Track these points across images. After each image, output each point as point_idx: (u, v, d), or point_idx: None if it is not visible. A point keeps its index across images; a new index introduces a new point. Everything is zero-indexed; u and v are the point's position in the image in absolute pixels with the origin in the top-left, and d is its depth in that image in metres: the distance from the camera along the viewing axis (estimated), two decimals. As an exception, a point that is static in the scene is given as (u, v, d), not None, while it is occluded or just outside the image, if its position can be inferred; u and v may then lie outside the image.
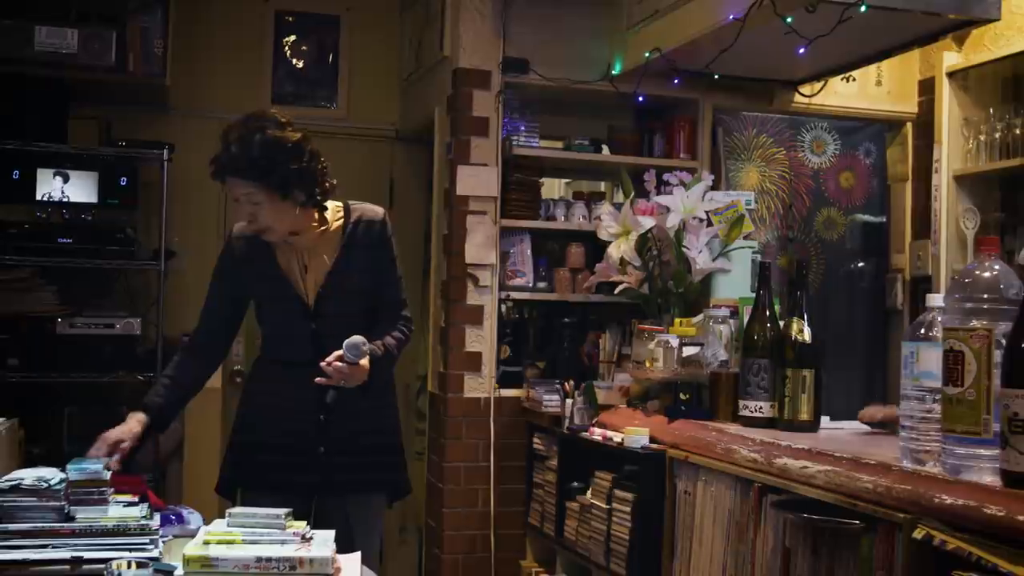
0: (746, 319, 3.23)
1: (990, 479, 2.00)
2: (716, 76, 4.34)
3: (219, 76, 5.31)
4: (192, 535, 2.37)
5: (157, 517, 2.52)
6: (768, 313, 3.13)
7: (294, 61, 5.53)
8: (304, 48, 5.54)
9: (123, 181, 4.69)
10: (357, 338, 2.80)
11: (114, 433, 2.88)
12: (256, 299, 3.06)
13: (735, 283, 3.73)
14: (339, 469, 2.95)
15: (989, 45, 4.36)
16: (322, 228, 2.97)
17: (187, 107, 5.23)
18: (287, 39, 5.51)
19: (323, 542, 2.22)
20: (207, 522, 2.44)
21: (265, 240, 2.95)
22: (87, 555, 2.33)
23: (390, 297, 3.07)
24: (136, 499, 2.59)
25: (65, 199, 4.63)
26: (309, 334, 2.95)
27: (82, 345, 4.57)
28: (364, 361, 2.84)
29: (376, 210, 3.07)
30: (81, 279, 4.80)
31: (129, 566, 1.97)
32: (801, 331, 2.99)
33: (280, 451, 2.94)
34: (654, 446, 3.31)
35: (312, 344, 2.92)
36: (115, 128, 4.93)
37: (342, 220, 3.01)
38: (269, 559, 2.11)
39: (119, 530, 2.40)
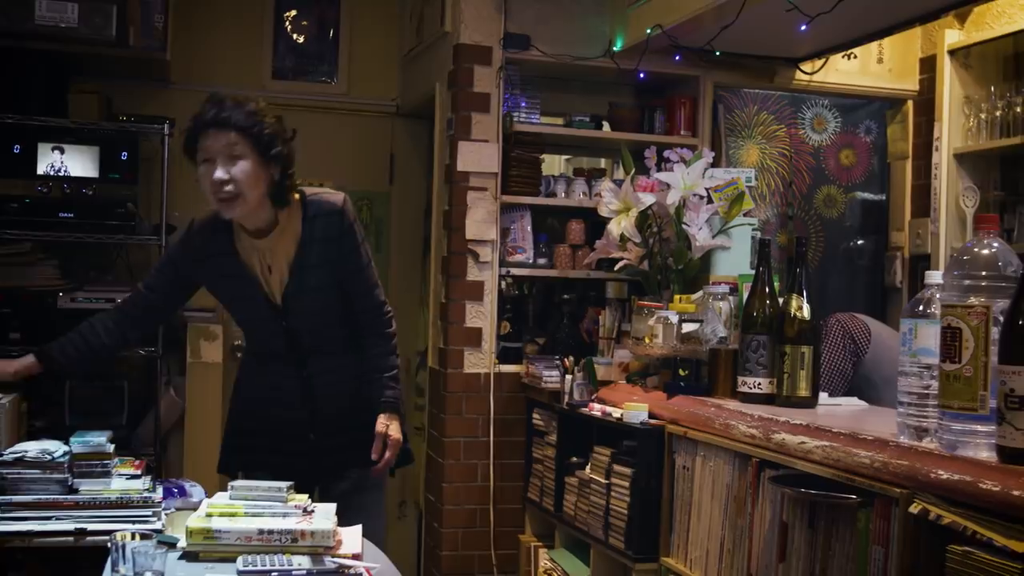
0: (745, 296, 3.24)
1: (986, 455, 2.02)
2: (717, 53, 4.33)
3: (219, 50, 5.30)
4: (194, 508, 2.39)
5: (160, 489, 2.55)
6: (767, 290, 3.14)
7: (295, 36, 5.52)
8: (305, 23, 5.52)
9: (124, 155, 4.68)
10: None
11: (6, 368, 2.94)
12: (222, 296, 3.01)
13: (735, 260, 3.74)
14: (332, 452, 2.96)
15: (991, 23, 4.35)
16: (277, 228, 2.87)
17: (187, 81, 5.22)
18: (288, 13, 5.49)
19: (324, 515, 2.24)
20: (209, 495, 2.46)
21: (225, 236, 2.88)
22: (90, 527, 2.35)
23: (361, 287, 2.97)
24: (139, 471, 2.61)
25: (66, 173, 4.62)
26: (282, 331, 2.92)
27: (83, 320, 4.57)
28: (395, 428, 2.94)
29: (334, 199, 2.94)
30: (82, 254, 4.81)
31: (132, 538, 1.98)
32: (800, 308, 3.00)
33: (273, 438, 2.95)
34: (653, 422, 3.33)
35: (286, 340, 2.93)
36: (116, 102, 4.92)
37: (300, 214, 2.89)
38: (271, 531, 2.13)
39: (122, 502, 2.43)
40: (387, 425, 2.93)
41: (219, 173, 2.72)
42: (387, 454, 2.92)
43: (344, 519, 2.41)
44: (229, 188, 2.73)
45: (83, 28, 4.43)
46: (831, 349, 3.44)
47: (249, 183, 2.74)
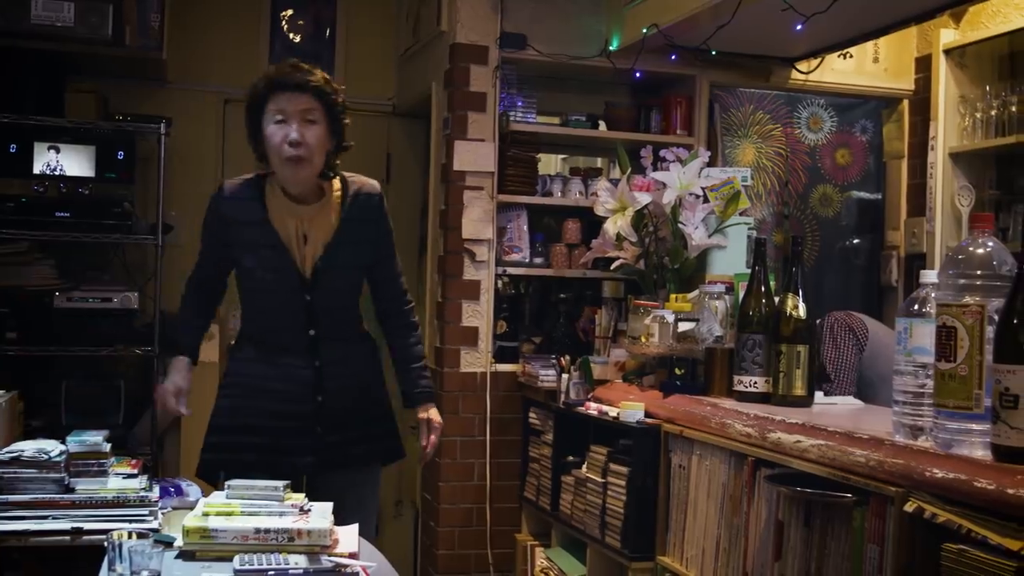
0: (741, 295, 3.25)
1: (981, 453, 2.02)
2: (713, 52, 4.34)
3: (216, 50, 5.30)
4: (191, 507, 2.39)
5: (156, 489, 2.55)
6: (763, 289, 3.15)
7: (291, 35, 5.51)
8: (301, 22, 5.52)
9: (120, 155, 4.67)
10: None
11: (174, 382, 2.98)
12: (246, 263, 2.95)
13: (731, 259, 3.75)
14: (335, 446, 2.95)
15: (986, 22, 4.36)
16: (322, 199, 2.93)
17: (184, 81, 5.22)
18: (284, 12, 5.49)
19: (321, 514, 2.24)
20: (206, 494, 2.46)
21: (256, 204, 2.91)
22: (87, 526, 2.36)
23: (390, 272, 3.07)
24: (135, 471, 2.61)
25: (62, 173, 4.62)
26: (303, 307, 2.90)
27: (80, 319, 4.58)
28: (435, 412, 3.12)
29: (374, 183, 3.05)
30: (78, 253, 4.80)
31: (129, 537, 1.99)
32: (796, 307, 3.01)
33: (273, 434, 2.90)
34: (649, 420, 3.33)
35: (306, 317, 2.91)
36: (112, 102, 4.92)
37: (340, 191, 2.96)
38: (267, 530, 2.13)
39: (119, 501, 2.43)
40: (427, 412, 3.10)
41: (295, 134, 2.79)
42: (432, 438, 3.11)
43: (341, 515, 2.42)
44: (301, 150, 2.80)
45: (79, 27, 4.43)
46: (837, 346, 3.46)
47: (319, 148, 2.83)
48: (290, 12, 5.49)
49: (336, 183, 2.97)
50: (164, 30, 4.72)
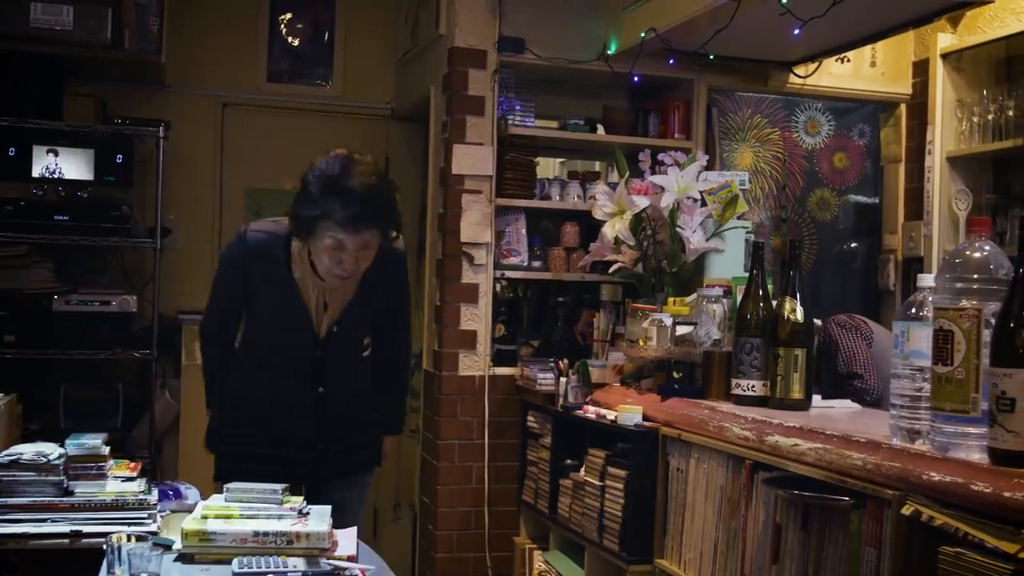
0: (739, 298, 3.25)
1: (978, 456, 2.03)
2: (711, 56, 4.35)
3: (214, 53, 5.31)
4: (189, 510, 2.40)
5: (155, 492, 2.55)
6: (761, 292, 3.15)
7: (289, 39, 5.53)
8: (299, 26, 5.53)
9: (119, 158, 4.68)
10: None
11: None
12: (256, 317, 2.96)
13: (729, 263, 3.75)
14: (336, 456, 3.02)
15: (983, 27, 4.37)
16: None
17: (182, 84, 5.23)
18: (283, 16, 5.50)
19: (319, 517, 2.25)
20: (204, 497, 2.47)
21: (282, 262, 2.86)
22: (86, 529, 2.36)
23: (401, 335, 3.18)
24: (134, 474, 2.62)
25: (61, 176, 4.63)
26: (311, 359, 2.95)
27: (78, 322, 4.58)
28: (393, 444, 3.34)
29: (399, 247, 3.02)
30: (77, 256, 4.81)
31: (128, 540, 1.99)
32: (794, 310, 3.01)
33: (274, 448, 2.94)
34: (647, 424, 3.33)
35: (312, 366, 2.95)
36: (111, 105, 4.93)
37: None
38: (266, 533, 2.14)
39: (117, 504, 2.43)
40: (389, 446, 3.27)
41: (347, 268, 2.76)
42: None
43: (343, 519, 2.46)
44: (346, 272, 2.79)
45: (78, 31, 4.44)
46: (855, 345, 3.46)
47: (366, 265, 2.83)
48: (289, 16, 5.50)
49: None
50: (163, 34, 4.73)
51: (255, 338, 3.01)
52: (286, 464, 2.89)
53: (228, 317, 3.02)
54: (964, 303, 2.04)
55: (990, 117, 4.32)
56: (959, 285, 2.07)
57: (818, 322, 3.56)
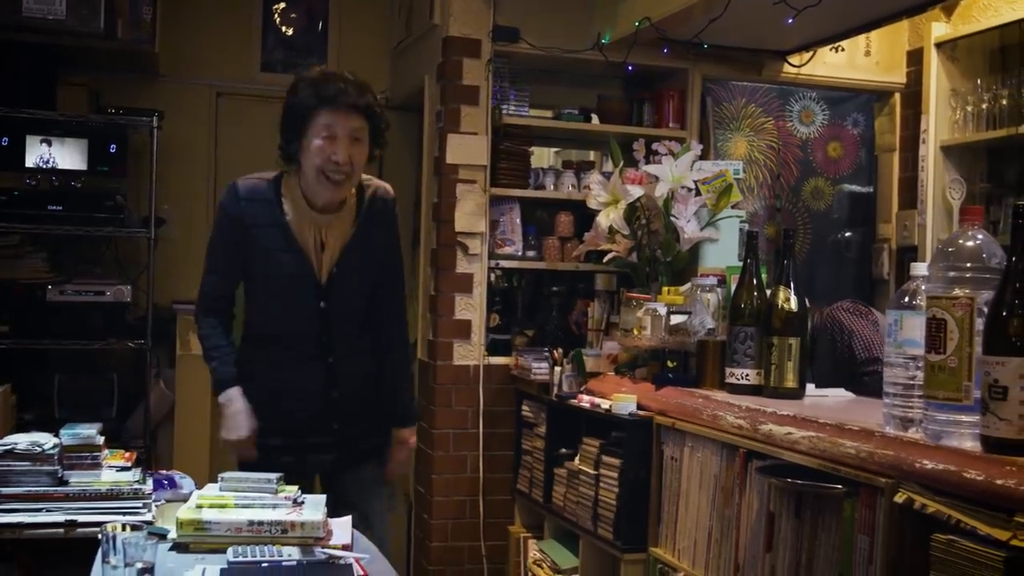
0: (733, 288, 3.25)
1: (970, 444, 2.03)
2: (705, 46, 4.34)
3: (208, 43, 5.30)
4: (184, 499, 2.40)
5: (150, 481, 2.55)
6: (755, 282, 3.16)
7: (283, 28, 5.52)
8: (293, 15, 5.52)
9: (112, 148, 4.68)
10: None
11: (245, 423, 2.87)
12: (257, 272, 2.88)
13: (723, 252, 3.76)
14: (353, 440, 2.97)
15: (977, 16, 4.37)
16: (343, 207, 2.90)
17: (176, 74, 5.23)
18: (276, 6, 5.49)
19: (314, 506, 2.25)
20: (199, 486, 2.47)
21: (273, 207, 2.83)
22: (81, 519, 2.36)
23: (397, 281, 3.07)
24: (129, 463, 2.62)
25: (54, 166, 4.62)
26: (317, 313, 2.88)
27: (72, 312, 4.58)
28: (414, 437, 3.14)
29: (387, 187, 3.02)
30: (71, 246, 4.81)
31: (123, 529, 1.99)
32: (788, 300, 3.01)
33: (288, 435, 2.90)
34: (641, 413, 3.34)
35: (320, 323, 2.89)
36: (104, 95, 4.92)
37: (355, 195, 2.92)
38: (261, 523, 2.14)
39: (112, 494, 2.43)
40: (408, 437, 3.11)
41: (341, 155, 2.75)
42: (403, 457, 3.12)
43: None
44: (346, 169, 2.77)
45: (71, 21, 4.42)
46: (869, 333, 3.44)
47: (359, 168, 2.83)
48: (282, 5, 5.49)
49: (353, 190, 2.93)
50: (156, 23, 4.72)
51: (256, 307, 2.93)
52: (301, 452, 2.88)
53: (225, 280, 2.92)
54: (957, 292, 2.05)
55: (984, 106, 4.32)
56: (952, 274, 2.08)
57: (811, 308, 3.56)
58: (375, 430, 3.04)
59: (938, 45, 4.47)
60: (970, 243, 2.09)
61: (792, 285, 3.03)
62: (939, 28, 4.48)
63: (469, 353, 4.46)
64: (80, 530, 2.33)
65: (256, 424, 2.86)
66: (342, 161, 2.75)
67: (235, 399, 2.86)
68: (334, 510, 2.41)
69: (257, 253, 2.85)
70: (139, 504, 2.42)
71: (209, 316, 2.93)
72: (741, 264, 3.27)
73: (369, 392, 3.00)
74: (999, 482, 1.86)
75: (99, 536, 1.99)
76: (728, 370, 3.16)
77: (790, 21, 3.81)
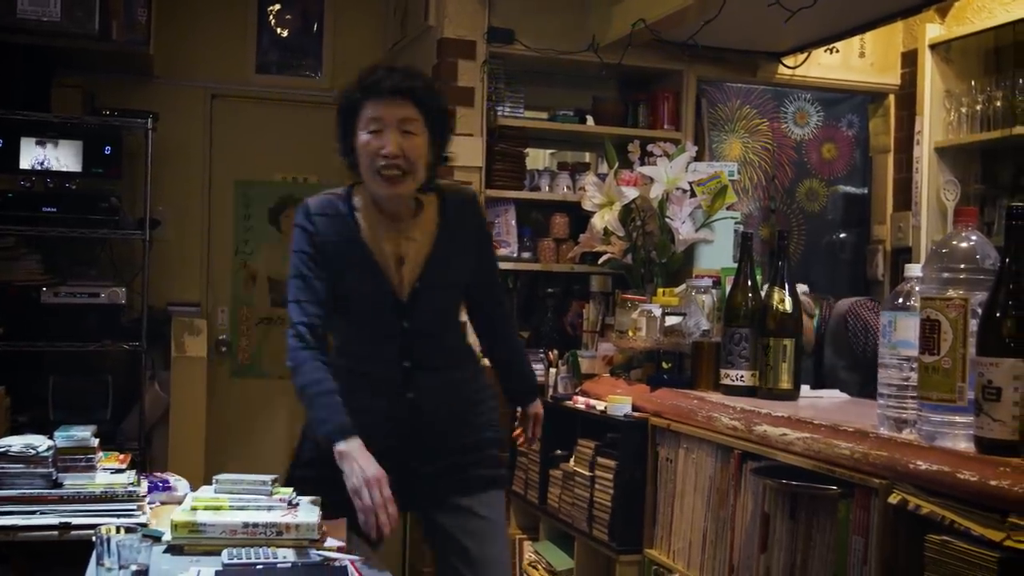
0: (728, 289, 3.26)
1: (964, 445, 2.04)
2: (700, 47, 4.35)
3: (203, 44, 5.30)
4: (179, 501, 2.40)
5: (144, 483, 2.55)
6: (750, 283, 3.16)
7: (278, 30, 5.51)
8: (288, 16, 5.52)
9: (107, 150, 4.68)
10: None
11: (376, 475, 2.29)
12: (339, 288, 2.56)
13: (717, 253, 3.76)
14: (428, 479, 2.60)
15: (971, 17, 4.38)
16: (419, 215, 2.60)
17: (171, 75, 5.22)
18: (271, 7, 5.49)
19: (309, 508, 2.25)
20: (194, 489, 2.47)
21: (347, 221, 2.54)
22: (75, 521, 2.36)
23: (493, 278, 2.81)
24: (124, 466, 2.61)
25: (49, 168, 4.62)
26: (399, 333, 2.56)
27: (67, 314, 4.58)
28: (537, 405, 2.99)
29: (469, 189, 2.84)
30: (66, 248, 4.80)
31: (117, 531, 1.99)
32: (782, 301, 3.02)
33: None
34: (636, 414, 3.34)
35: (400, 346, 2.57)
36: (99, 97, 4.91)
37: (436, 202, 2.63)
38: (256, 524, 2.14)
39: (107, 496, 2.43)
40: (531, 407, 3.01)
41: (390, 147, 2.45)
42: (537, 429, 3.02)
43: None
44: (399, 163, 2.46)
45: (65, 22, 4.42)
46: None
47: (418, 161, 2.50)
48: (277, 7, 5.49)
49: (433, 196, 2.64)
50: (151, 25, 4.72)
51: (337, 321, 2.59)
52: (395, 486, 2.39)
53: (318, 303, 2.52)
54: (951, 293, 2.05)
55: (978, 107, 4.33)
56: (946, 275, 2.08)
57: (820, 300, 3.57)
58: (450, 470, 2.64)
59: (932, 46, 4.48)
60: (964, 244, 2.09)
61: (787, 286, 3.03)
62: (933, 29, 4.49)
63: (464, 355, 4.45)
64: (74, 532, 2.32)
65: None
66: (391, 153, 2.45)
67: (365, 457, 2.34)
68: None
69: (338, 269, 2.55)
70: (134, 506, 2.41)
71: (307, 346, 2.49)
72: (736, 265, 3.27)
73: (452, 429, 2.64)
74: (993, 483, 1.87)
75: (93, 538, 2.00)
76: (723, 371, 3.16)
77: (785, 22, 3.81)
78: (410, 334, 2.57)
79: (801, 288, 3.85)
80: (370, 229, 2.56)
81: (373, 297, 2.56)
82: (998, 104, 4.25)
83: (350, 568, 2.02)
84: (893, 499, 2.10)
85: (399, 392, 2.56)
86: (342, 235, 2.55)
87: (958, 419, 2.06)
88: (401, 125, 2.46)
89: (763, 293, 3.10)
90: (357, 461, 2.30)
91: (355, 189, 2.61)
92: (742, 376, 3.10)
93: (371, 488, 2.27)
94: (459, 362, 2.71)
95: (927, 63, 4.49)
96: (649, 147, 3.97)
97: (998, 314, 1.93)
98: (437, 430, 2.60)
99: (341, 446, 2.33)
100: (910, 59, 4.76)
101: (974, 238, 2.09)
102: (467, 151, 4.42)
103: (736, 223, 3.88)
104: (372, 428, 2.44)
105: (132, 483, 2.47)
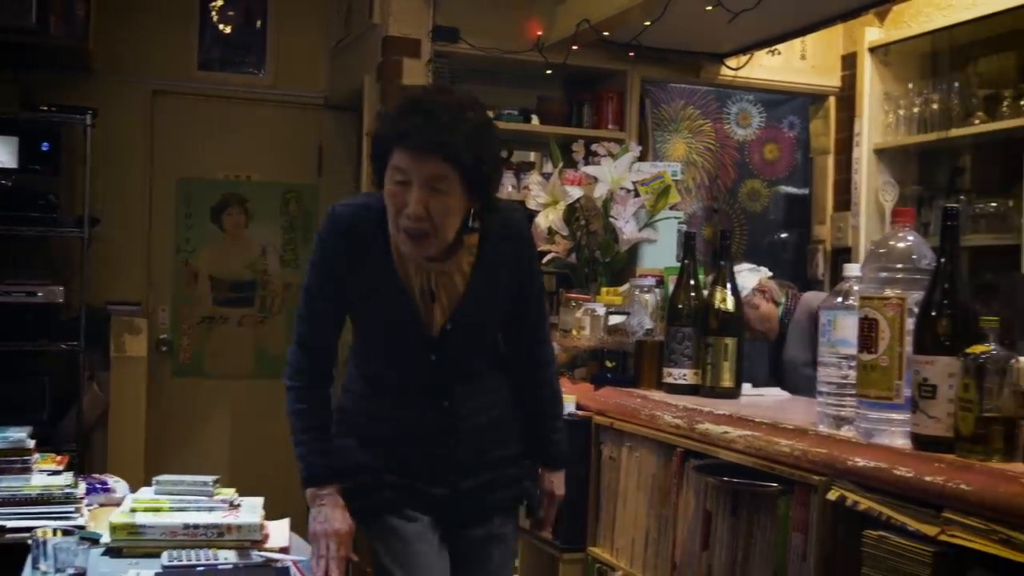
0: (671, 288, 3.28)
1: (901, 442, 2.07)
2: (644, 48, 4.38)
3: (144, 40, 5.23)
4: (118, 503, 2.37)
5: (82, 485, 2.52)
6: (692, 282, 3.18)
7: (221, 26, 5.45)
8: (231, 13, 5.46)
9: (45, 146, 4.60)
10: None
11: (343, 529, 2.20)
12: (361, 308, 2.35)
13: (661, 253, 3.78)
14: (471, 494, 2.43)
15: (909, 21, 4.45)
16: (453, 255, 2.31)
17: (110, 71, 5.15)
18: (214, 3, 5.43)
19: (251, 509, 2.23)
20: (133, 490, 2.44)
21: (380, 236, 2.27)
22: (10, 524, 2.32)
23: (536, 315, 2.51)
24: (61, 467, 2.58)
25: (-16, 164, 4.53)
26: (428, 364, 2.34)
27: (3, 313, 4.50)
28: (561, 484, 2.65)
29: (517, 216, 2.46)
30: (2, 246, 4.71)
31: (54, 534, 1.96)
32: (724, 300, 3.04)
33: (400, 488, 2.36)
34: (580, 413, 3.35)
35: (429, 373, 2.36)
36: (36, 92, 4.83)
37: (475, 236, 2.33)
38: (196, 526, 2.12)
39: (43, 499, 2.39)
40: (553, 482, 2.65)
41: (413, 207, 2.13)
42: (551, 512, 2.68)
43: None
44: (423, 225, 2.15)
45: (2, 15, 4.33)
46: None
47: (448, 222, 2.18)
48: (220, 3, 5.44)
49: (474, 234, 2.32)
50: (90, 19, 4.65)
51: (362, 332, 2.42)
52: (419, 497, 2.36)
53: (326, 331, 2.36)
54: (888, 292, 2.08)
55: (916, 110, 4.41)
56: (884, 275, 2.11)
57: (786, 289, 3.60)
58: (495, 484, 2.48)
59: (871, 50, 4.55)
60: (901, 244, 2.12)
61: (729, 286, 3.06)
62: (872, 33, 4.56)
63: (409, 354, 4.44)
64: (10, 536, 2.28)
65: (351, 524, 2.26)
66: (414, 214, 2.13)
67: (337, 507, 2.22)
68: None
69: (360, 288, 2.32)
70: (71, 509, 2.38)
71: (305, 375, 2.34)
72: (679, 265, 3.30)
73: (492, 440, 2.47)
74: (928, 479, 1.90)
75: (29, 542, 1.96)
76: (666, 370, 3.17)
77: (727, 24, 3.85)
78: (438, 364, 2.35)
79: (766, 273, 3.90)
80: (400, 259, 2.28)
81: (402, 328, 2.33)
82: (935, 107, 4.33)
83: (292, 569, 2.01)
84: (832, 495, 2.13)
85: (434, 401, 2.37)
86: (371, 257, 2.29)
87: (895, 416, 2.09)
88: (430, 182, 2.13)
89: (706, 292, 3.13)
90: (327, 508, 2.19)
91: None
92: (685, 375, 3.12)
93: (329, 540, 2.15)
94: (492, 372, 2.50)
95: (866, 66, 4.56)
96: (593, 147, 3.98)
97: (933, 313, 1.97)
98: (475, 439, 2.42)
99: (313, 491, 2.21)
100: (850, 62, 4.83)
101: (911, 238, 2.12)
102: (412, 150, 4.40)
103: (679, 223, 3.90)
104: (407, 438, 2.36)
105: (69, 485, 2.44)
